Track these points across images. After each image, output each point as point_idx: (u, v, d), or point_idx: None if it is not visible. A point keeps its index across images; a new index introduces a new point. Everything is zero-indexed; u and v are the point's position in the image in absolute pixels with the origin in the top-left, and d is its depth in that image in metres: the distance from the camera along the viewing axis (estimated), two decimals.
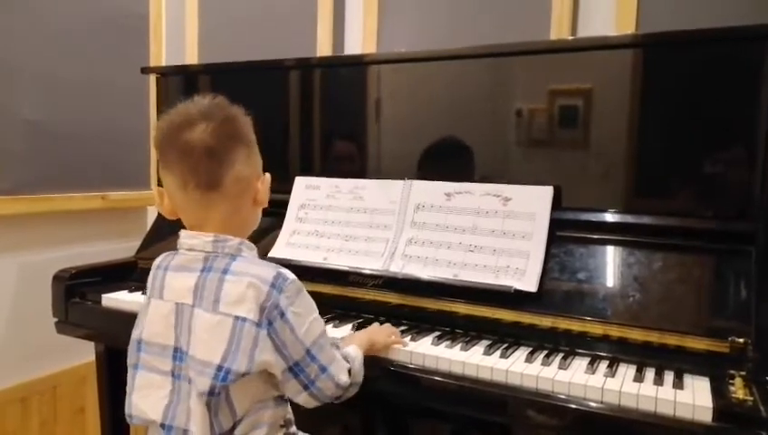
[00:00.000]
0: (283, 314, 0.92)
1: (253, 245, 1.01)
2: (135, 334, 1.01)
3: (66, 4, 1.97)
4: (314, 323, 0.96)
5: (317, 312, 0.99)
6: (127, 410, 1.00)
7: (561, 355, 1.16)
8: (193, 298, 0.94)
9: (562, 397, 1.04)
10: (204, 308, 0.93)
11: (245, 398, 0.94)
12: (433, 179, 1.44)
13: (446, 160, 1.49)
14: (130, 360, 1.01)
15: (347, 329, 1.29)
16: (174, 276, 0.98)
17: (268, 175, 1.03)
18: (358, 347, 1.08)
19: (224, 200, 0.96)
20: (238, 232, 0.99)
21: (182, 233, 1.00)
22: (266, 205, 1.03)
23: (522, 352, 1.17)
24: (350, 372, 1.02)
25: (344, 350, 1.05)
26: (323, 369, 0.97)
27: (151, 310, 0.99)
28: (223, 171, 0.94)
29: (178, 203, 0.98)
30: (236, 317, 0.91)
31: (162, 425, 0.95)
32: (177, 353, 0.95)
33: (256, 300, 0.91)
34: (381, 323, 1.30)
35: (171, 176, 0.96)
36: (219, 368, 0.90)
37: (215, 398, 0.91)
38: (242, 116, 1.00)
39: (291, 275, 0.95)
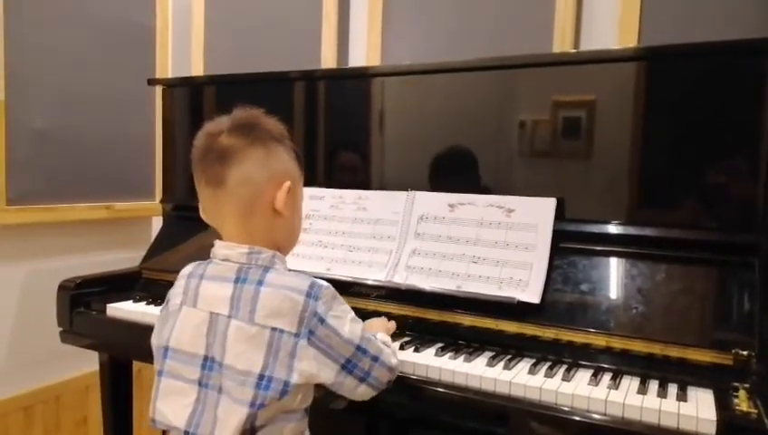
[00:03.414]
0: (323, 321, 0.93)
1: (284, 258, 1.02)
2: (161, 341, 1.01)
3: (75, 17, 2.00)
4: (354, 322, 0.99)
5: (353, 313, 1.01)
6: (151, 415, 1.01)
7: (564, 367, 1.16)
8: (229, 308, 0.95)
9: (566, 409, 1.04)
10: (240, 319, 0.94)
11: (269, 409, 0.93)
12: (436, 191, 1.45)
13: (450, 172, 1.49)
14: (156, 366, 1.02)
15: None
16: (208, 286, 0.99)
17: (288, 183, 1.00)
18: (384, 334, 1.13)
19: (231, 200, 0.98)
20: (267, 241, 1.00)
21: (217, 243, 1.01)
22: (287, 214, 1.01)
23: (525, 364, 1.17)
24: (394, 353, 1.06)
25: (379, 337, 1.08)
26: (375, 358, 1.00)
27: (182, 317, 0.99)
28: (227, 169, 0.97)
29: (201, 201, 1.03)
30: (273, 329, 0.92)
31: (186, 432, 0.95)
32: (208, 362, 0.95)
33: (294, 311, 0.92)
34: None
35: (195, 175, 1.02)
36: (261, 377, 0.91)
37: (255, 409, 0.90)
38: (268, 123, 1.02)
39: (325, 283, 0.97)
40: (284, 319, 0.92)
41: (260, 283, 0.95)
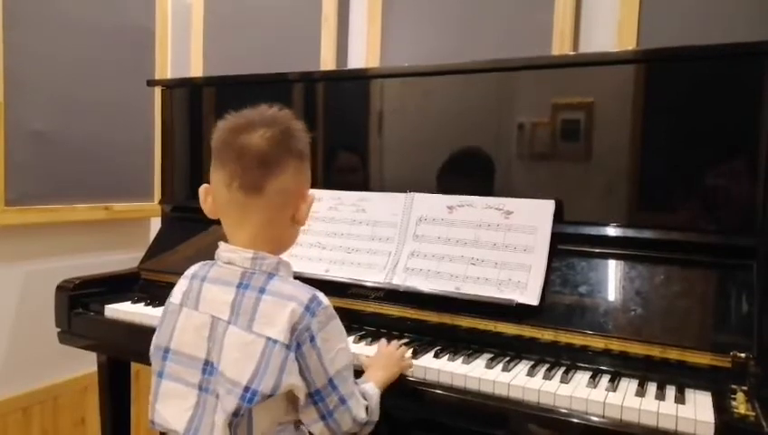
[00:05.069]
0: (312, 339, 0.91)
1: (289, 263, 1.00)
2: (161, 342, 1.00)
3: (74, 18, 2.00)
4: (341, 353, 0.96)
5: (346, 342, 0.98)
6: (150, 417, 1.00)
7: (562, 369, 1.16)
8: (229, 314, 0.94)
9: (564, 411, 1.04)
10: (239, 326, 0.92)
11: (266, 418, 0.93)
12: (435, 192, 1.45)
13: (449, 173, 1.49)
14: (155, 367, 1.01)
15: (349, 342, 1.29)
16: (210, 289, 0.97)
17: (312, 196, 1.01)
18: (375, 386, 1.07)
19: (262, 207, 0.96)
20: (273, 247, 0.99)
21: (222, 245, 1.00)
22: (303, 224, 1.02)
23: (523, 366, 1.18)
24: (366, 409, 1.01)
25: (362, 387, 1.04)
26: (343, 401, 0.95)
27: (183, 319, 0.98)
28: (268, 178, 0.95)
29: (221, 202, 0.99)
30: (268, 338, 0.90)
31: None
32: (208, 367, 0.94)
33: (290, 321, 0.90)
34: (383, 337, 1.30)
35: (221, 173, 0.97)
36: (246, 389, 0.89)
37: (237, 418, 0.90)
38: (301, 132, 1.00)
39: (325, 301, 0.95)
40: (279, 328, 0.90)
41: (262, 290, 0.93)
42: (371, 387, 1.06)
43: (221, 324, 0.94)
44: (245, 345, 0.91)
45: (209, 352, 0.95)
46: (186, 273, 1.04)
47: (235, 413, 0.90)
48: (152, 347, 1.03)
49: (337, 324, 0.96)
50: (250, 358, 0.90)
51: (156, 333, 1.04)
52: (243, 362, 0.91)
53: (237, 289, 0.94)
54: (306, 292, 0.94)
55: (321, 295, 0.95)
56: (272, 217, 0.97)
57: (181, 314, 0.99)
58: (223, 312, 0.94)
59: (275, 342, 0.90)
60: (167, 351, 0.99)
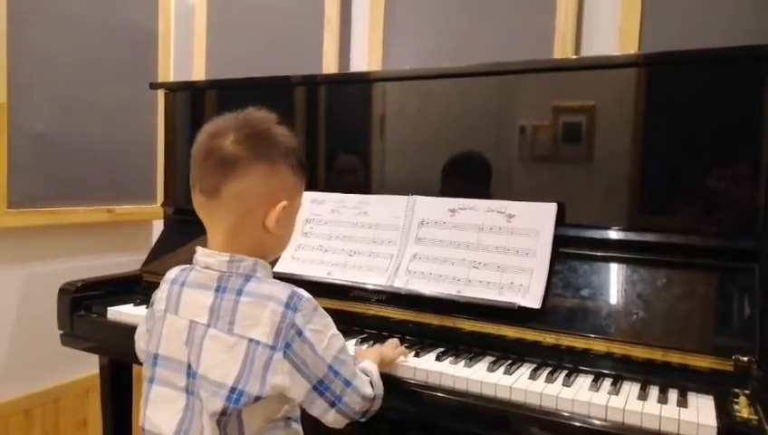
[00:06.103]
0: (300, 333, 0.90)
1: (267, 264, 0.99)
2: (150, 347, 1.01)
3: (77, 20, 2.00)
4: (333, 339, 0.95)
5: (335, 328, 0.97)
6: (141, 423, 1.00)
7: (564, 372, 1.16)
8: (208, 318, 0.94)
9: (566, 414, 1.04)
10: (219, 329, 0.92)
11: (256, 417, 0.93)
12: (437, 195, 1.45)
13: (450, 176, 1.49)
14: (146, 373, 1.01)
15: (350, 344, 1.29)
16: (190, 293, 0.97)
17: (283, 203, 0.96)
18: (371, 361, 1.08)
19: (225, 212, 0.95)
20: (252, 252, 0.97)
21: (198, 250, 0.99)
22: (277, 232, 0.97)
23: (525, 369, 1.18)
24: (371, 383, 1.01)
25: (360, 365, 1.04)
26: (348, 383, 0.95)
27: (167, 325, 0.99)
28: (225, 181, 0.93)
29: (193, 202, 0.99)
30: (251, 340, 0.90)
31: None
32: (190, 371, 0.95)
33: (272, 322, 0.90)
34: (385, 339, 1.30)
35: (191, 174, 0.97)
36: (232, 390, 0.90)
37: (225, 417, 0.91)
38: (280, 135, 0.97)
39: (305, 294, 0.94)
40: (262, 330, 0.90)
41: (239, 292, 0.93)
42: (368, 363, 1.06)
43: (199, 328, 0.94)
44: (228, 348, 0.91)
45: (189, 356, 0.95)
46: (166, 276, 1.03)
47: (223, 413, 0.90)
48: (141, 352, 1.04)
49: (323, 314, 0.95)
50: (234, 360, 0.91)
51: (140, 334, 1.06)
52: (227, 364, 0.91)
53: (216, 293, 0.94)
54: (284, 290, 0.93)
55: (299, 290, 0.94)
56: (238, 222, 0.95)
57: (166, 319, 0.99)
58: (202, 316, 0.94)
59: (258, 343, 0.90)
60: (156, 357, 0.99)
